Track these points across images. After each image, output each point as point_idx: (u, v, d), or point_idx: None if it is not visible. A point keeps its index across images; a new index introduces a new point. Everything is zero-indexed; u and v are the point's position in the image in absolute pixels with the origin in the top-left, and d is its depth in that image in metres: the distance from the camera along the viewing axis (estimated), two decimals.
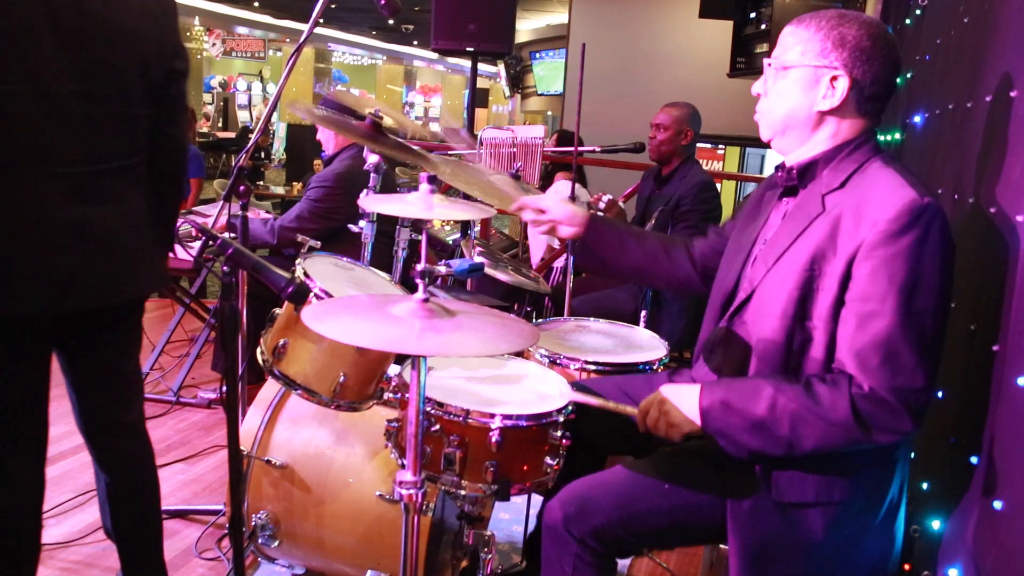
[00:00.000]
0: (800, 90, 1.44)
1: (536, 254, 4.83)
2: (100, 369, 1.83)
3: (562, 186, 4.51)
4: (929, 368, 1.29)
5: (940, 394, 1.63)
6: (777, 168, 1.55)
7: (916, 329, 1.28)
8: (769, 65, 1.49)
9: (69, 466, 2.78)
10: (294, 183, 10.64)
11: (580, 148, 3.57)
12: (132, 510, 1.92)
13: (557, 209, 1.80)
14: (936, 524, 1.53)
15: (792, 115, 1.46)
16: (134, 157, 1.72)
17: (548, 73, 12.41)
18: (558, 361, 1.97)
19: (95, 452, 1.89)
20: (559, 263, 4.55)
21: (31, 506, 1.74)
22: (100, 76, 1.60)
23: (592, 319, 2.35)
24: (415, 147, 2.03)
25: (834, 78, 1.41)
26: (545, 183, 4.69)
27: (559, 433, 1.56)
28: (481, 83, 19.68)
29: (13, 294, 1.55)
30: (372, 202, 1.54)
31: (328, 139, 3.30)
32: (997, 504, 1.23)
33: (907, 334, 1.27)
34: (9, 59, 1.48)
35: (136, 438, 1.93)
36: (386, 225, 2.58)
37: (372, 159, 2.40)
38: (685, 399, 1.44)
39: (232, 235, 2.26)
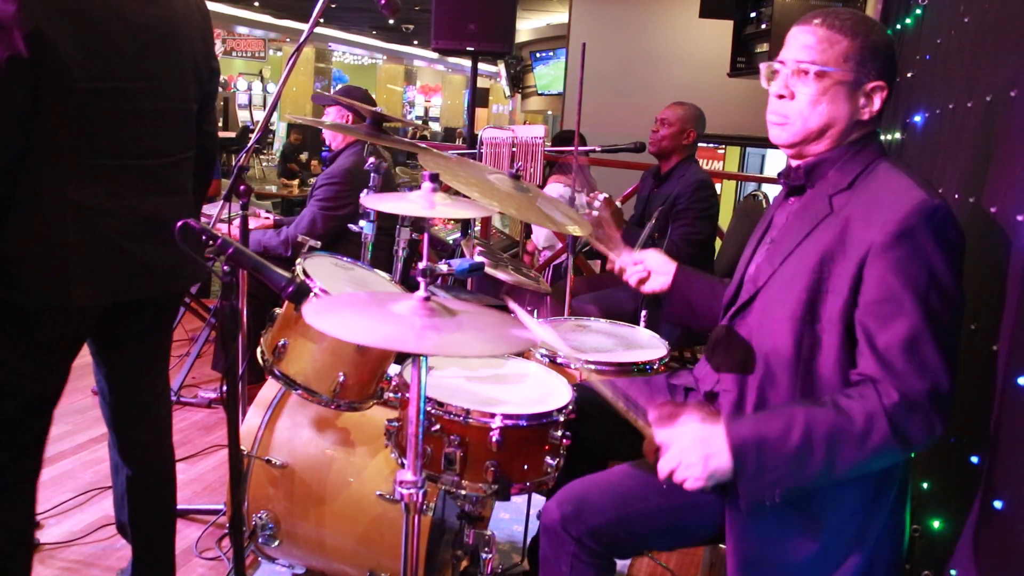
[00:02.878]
0: (842, 99, 1.40)
1: (538, 241, 4.84)
2: (142, 358, 1.89)
3: (553, 189, 4.51)
4: (952, 369, 1.27)
5: None
6: (781, 173, 1.55)
7: (937, 329, 1.27)
8: (812, 72, 1.40)
9: (69, 466, 2.78)
10: (294, 183, 10.64)
11: (580, 148, 3.58)
12: (151, 506, 1.95)
13: (652, 259, 1.83)
14: (936, 524, 1.54)
15: (829, 123, 1.42)
16: (190, 151, 1.84)
17: (557, 73, 12.37)
18: (558, 360, 1.97)
19: (120, 444, 1.92)
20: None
21: (26, 498, 1.75)
22: (165, 74, 1.72)
23: (592, 318, 2.36)
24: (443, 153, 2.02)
25: (874, 88, 1.40)
26: (543, 184, 4.69)
27: (559, 433, 1.56)
28: (481, 83, 19.70)
29: (93, 284, 1.62)
30: (373, 201, 1.54)
31: (333, 134, 3.33)
32: (997, 504, 1.23)
33: (930, 334, 1.26)
34: (91, 58, 1.56)
35: (163, 434, 1.98)
36: (386, 223, 2.59)
37: (372, 159, 2.40)
38: (711, 445, 1.31)
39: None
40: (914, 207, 1.28)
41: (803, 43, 1.42)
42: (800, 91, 1.42)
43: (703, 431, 1.34)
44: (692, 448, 1.32)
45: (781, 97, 1.44)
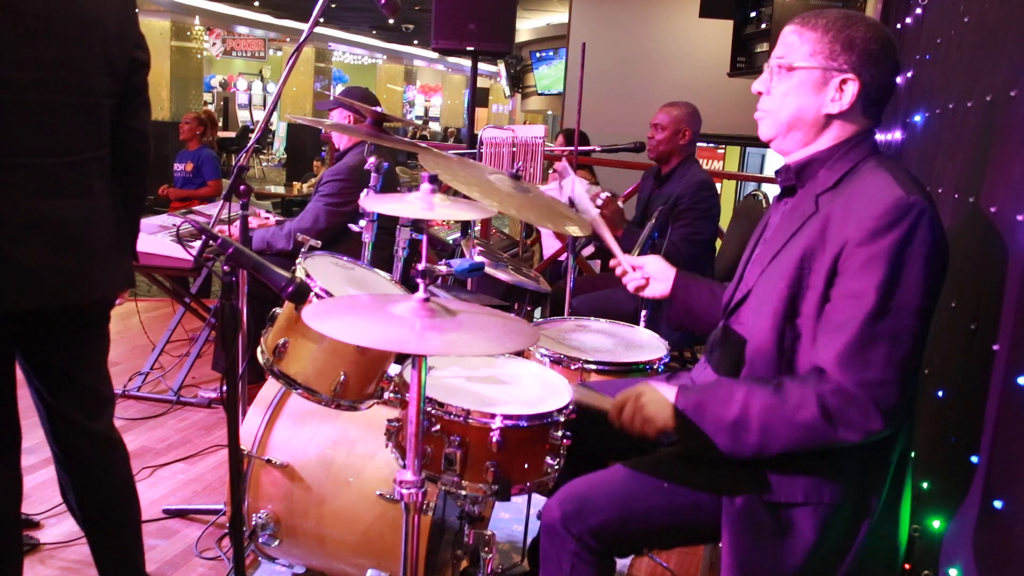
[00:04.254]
0: (807, 92, 1.43)
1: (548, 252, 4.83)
2: (58, 377, 1.76)
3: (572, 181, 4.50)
4: (901, 366, 1.28)
5: (940, 394, 1.63)
6: (777, 172, 1.56)
7: (891, 327, 1.28)
8: (777, 66, 1.46)
9: None
10: (294, 183, 10.68)
11: (580, 147, 3.58)
12: (101, 512, 1.85)
13: (652, 265, 1.84)
14: (936, 524, 1.54)
15: (798, 117, 1.45)
16: (99, 150, 1.69)
17: (558, 73, 12.38)
18: (560, 360, 1.97)
19: (57, 452, 1.81)
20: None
21: (7, 504, 1.72)
22: (62, 65, 1.57)
23: (592, 319, 2.36)
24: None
25: (843, 81, 1.40)
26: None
27: (560, 433, 1.56)
28: (481, 83, 19.71)
29: None
30: (373, 202, 1.54)
31: (339, 135, 3.36)
32: (997, 504, 1.23)
33: (881, 331, 1.27)
34: None
35: (102, 443, 1.85)
36: (387, 223, 2.59)
37: (372, 159, 2.40)
38: (661, 396, 1.45)
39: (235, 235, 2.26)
40: (889, 205, 1.29)
41: (782, 42, 1.47)
42: (775, 87, 1.47)
43: (658, 387, 1.47)
44: (645, 399, 1.46)
45: (760, 94, 1.51)
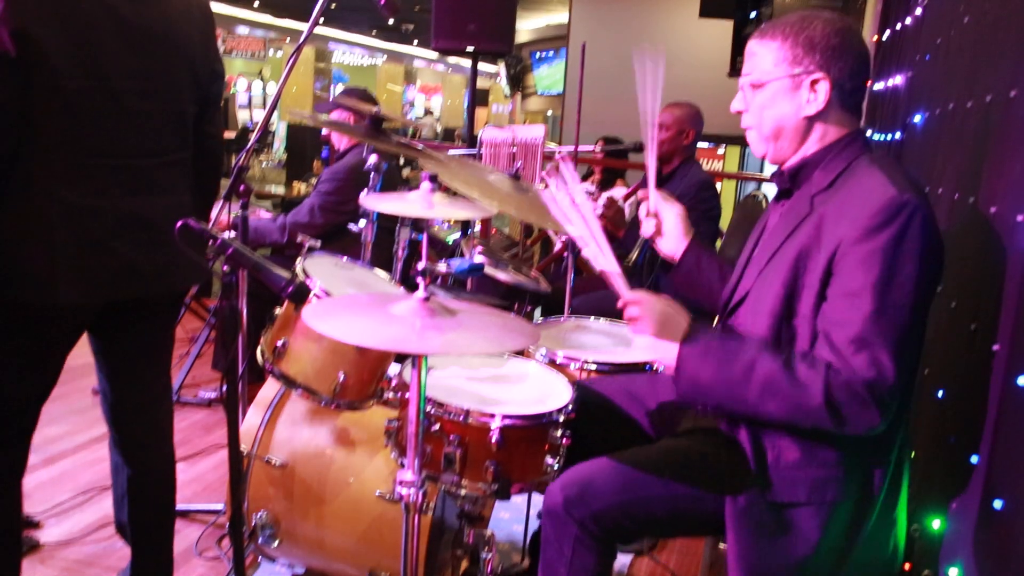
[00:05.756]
0: (782, 101, 1.45)
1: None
2: (140, 359, 1.89)
3: (620, 193, 4.49)
4: (901, 364, 1.29)
5: (940, 394, 1.63)
6: (773, 175, 1.57)
7: (890, 325, 1.29)
8: (749, 85, 1.48)
9: (69, 466, 2.78)
10: (294, 183, 10.66)
11: (581, 148, 3.59)
12: (150, 506, 1.96)
13: (669, 221, 1.79)
14: (936, 523, 1.54)
15: (780, 127, 1.47)
16: (184, 152, 1.82)
17: (559, 74, 12.37)
18: (558, 360, 1.96)
19: (120, 443, 1.93)
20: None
21: (9, 491, 1.76)
22: (156, 75, 1.71)
23: (592, 318, 2.35)
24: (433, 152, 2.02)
25: (814, 82, 1.42)
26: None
27: (559, 432, 1.56)
28: (481, 83, 19.68)
29: (79, 283, 1.62)
30: (373, 201, 1.54)
31: (339, 135, 3.36)
32: (997, 504, 1.23)
33: (881, 329, 1.28)
34: (79, 57, 1.56)
35: (163, 435, 1.99)
36: (387, 223, 2.59)
37: (372, 159, 2.40)
38: (672, 328, 1.44)
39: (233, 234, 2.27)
40: (883, 204, 1.30)
41: (747, 58, 1.49)
42: (751, 103, 1.50)
43: (675, 316, 1.45)
44: (659, 319, 1.44)
45: (740, 112, 1.53)
